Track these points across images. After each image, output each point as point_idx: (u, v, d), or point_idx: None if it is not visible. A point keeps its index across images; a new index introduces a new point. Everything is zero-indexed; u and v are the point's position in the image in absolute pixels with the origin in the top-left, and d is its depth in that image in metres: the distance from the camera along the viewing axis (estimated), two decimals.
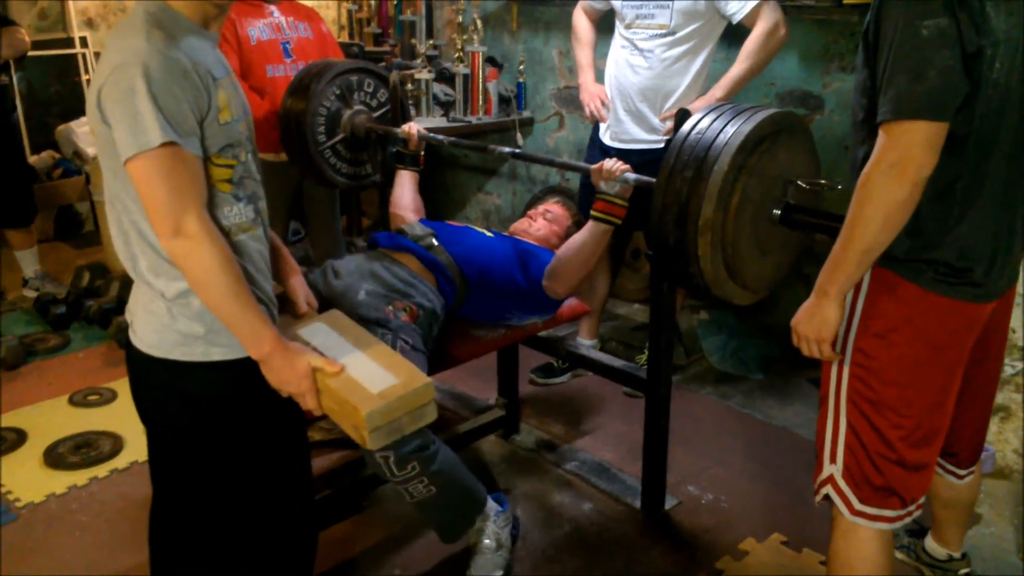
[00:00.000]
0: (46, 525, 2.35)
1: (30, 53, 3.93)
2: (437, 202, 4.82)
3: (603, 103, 2.94)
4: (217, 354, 1.46)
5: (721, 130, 1.76)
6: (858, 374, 1.60)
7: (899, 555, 2.16)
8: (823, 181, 1.80)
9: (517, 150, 2.55)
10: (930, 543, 2.13)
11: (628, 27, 2.82)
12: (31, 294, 3.95)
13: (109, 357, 3.36)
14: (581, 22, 3.09)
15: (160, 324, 1.44)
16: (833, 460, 1.65)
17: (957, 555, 2.10)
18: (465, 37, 3.95)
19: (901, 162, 1.36)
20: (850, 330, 1.60)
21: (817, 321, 1.55)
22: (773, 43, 2.69)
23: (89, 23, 5.08)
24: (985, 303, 1.57)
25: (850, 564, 1.67)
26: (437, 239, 2.32)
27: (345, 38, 5.05)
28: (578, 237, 2.25)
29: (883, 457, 1.60)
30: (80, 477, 2.57)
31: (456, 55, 3.92)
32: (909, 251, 1.51)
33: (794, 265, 2.05)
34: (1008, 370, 2.55)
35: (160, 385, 1.49)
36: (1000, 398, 2.59)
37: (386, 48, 4.58)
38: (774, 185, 1.83)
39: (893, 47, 1.37)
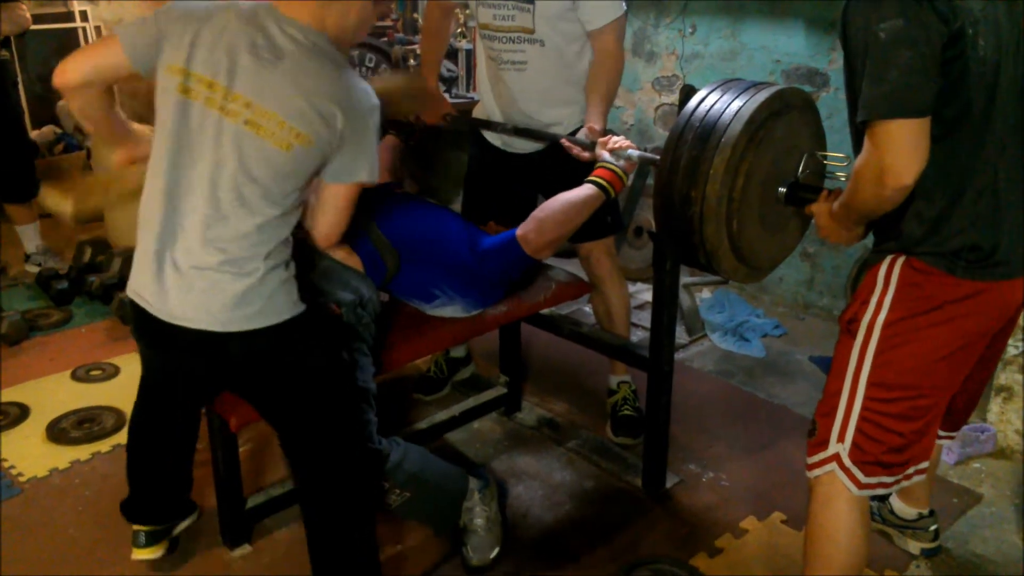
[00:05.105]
0: (49, 500, 2.37)
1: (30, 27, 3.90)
2: None
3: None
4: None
5: (727, 107, 1.74)
6: (882, 360, 1.60)
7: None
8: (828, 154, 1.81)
9: (518, 126, 2.53)
10: (898, 505, 2.15)
11: (487, 29, 2.48)
12: (33, 269, 3.94)
13: (111, 332, 3.36)
14: (433, 13, 2.71)
15: (249, 294, 1.59)
16: (841, 439, 1.64)
17: (926, 512, 2.13)
18: (468, 12, 3.91)
19: (884, 172, 1.41)
20: (878, 316, 1.59)
21: (831, 231, 1.69)
22: (620, 66, 2.48)
23: None
24: (1013, 279, 1.58)
25: (829, 534, 1.68)
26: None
27: None
28: (568, 193, 2.14)
29: (897, 437, 1.61)
30: (83, 452, 2.58)
31: (459, 30, 3.88)
32: (935, 244, 1.53)
33: (798, 244, 2.05)
34: (1011, 350, 2.55)
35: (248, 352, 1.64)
36: (1003, 378, 2.59)
37: (388, 23, 4.54)
38: (780, 163, 1.82)
39: (859, 51, 1.41)
